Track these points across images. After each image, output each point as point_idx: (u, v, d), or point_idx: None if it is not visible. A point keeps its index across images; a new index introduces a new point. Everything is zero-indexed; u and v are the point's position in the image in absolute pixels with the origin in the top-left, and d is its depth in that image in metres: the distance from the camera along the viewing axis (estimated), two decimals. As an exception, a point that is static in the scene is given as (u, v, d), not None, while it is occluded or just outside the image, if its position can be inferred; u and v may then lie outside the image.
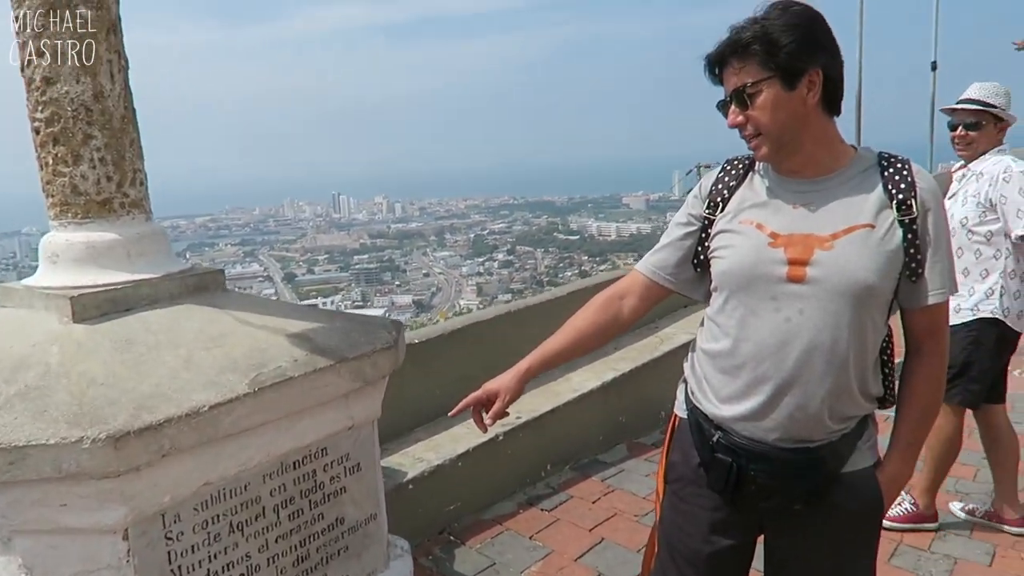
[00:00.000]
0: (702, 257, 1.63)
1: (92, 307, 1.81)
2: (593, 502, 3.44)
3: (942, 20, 12.19)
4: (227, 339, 1.82)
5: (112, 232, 1.93)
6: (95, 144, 1.92)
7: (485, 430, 1.77)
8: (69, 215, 1.92)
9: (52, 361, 1.63)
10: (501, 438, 3.34)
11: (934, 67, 12.55)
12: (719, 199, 1.61)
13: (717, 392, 1.57)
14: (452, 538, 3.12)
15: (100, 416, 1.47)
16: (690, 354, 1.72)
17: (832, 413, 1.48)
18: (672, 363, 4.39)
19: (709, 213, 1.61)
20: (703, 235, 1.63)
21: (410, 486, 2.94)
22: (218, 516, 1.68)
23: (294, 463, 1.84)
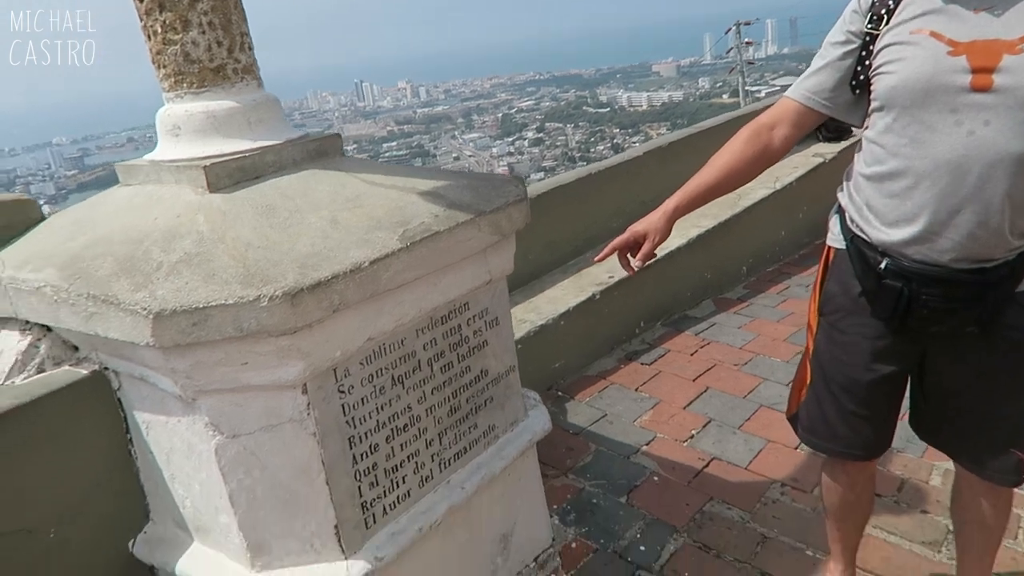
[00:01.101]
0: (862, 77, 1.53)
1: (225, 176, 1.80)
2: (691, 354, 3.49)
3: None
4: (363, 200, 1.80)
5: (229, 100, 1.89)
6: (202, 8, 1.83)
7: (633, 272, 1.76)
8: (185, 85, 1.87)
9: (203, 229, 1.64)
10: (598, 297, 3.36)
11: None
12: (883, 11, 1.49)
13: (883, 217, 1.52)
14: (561, 393, 3.21)
15: (269, 276, 1.48)
16: (845, 183, 1.66)
17: (1014, 228, 1.42)
18: (751, 218, 4.32)
19: (872, 28, 1.50)
20: (864, 53, 1.52)
21: (519, 346, 2.98)
22: (381, 370, 1.72)
23: (442, 318, 1.86)
